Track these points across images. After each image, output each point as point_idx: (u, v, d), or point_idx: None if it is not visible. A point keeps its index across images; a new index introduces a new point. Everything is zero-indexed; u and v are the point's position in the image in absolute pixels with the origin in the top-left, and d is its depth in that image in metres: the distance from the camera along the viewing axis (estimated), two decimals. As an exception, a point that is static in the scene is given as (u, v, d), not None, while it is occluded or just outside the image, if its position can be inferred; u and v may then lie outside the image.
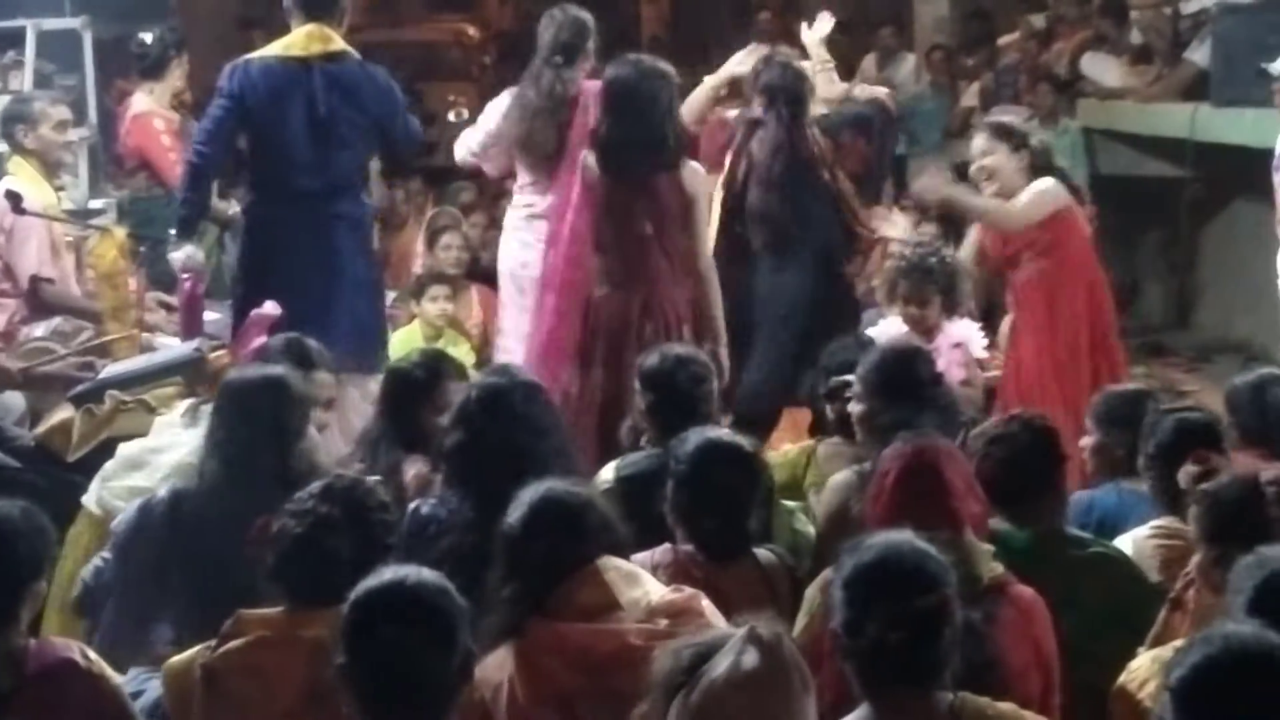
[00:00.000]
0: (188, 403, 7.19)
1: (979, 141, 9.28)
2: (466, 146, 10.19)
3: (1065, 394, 8.68)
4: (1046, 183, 9.01)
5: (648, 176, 8.73)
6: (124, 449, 7.08)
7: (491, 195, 14.81)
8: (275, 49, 9.07)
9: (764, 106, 9.44)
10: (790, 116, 9.40)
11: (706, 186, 8.99)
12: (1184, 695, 3.69)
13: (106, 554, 6.31)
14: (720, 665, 3.82)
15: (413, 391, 6.99)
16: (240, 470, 6.06)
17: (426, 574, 4.38)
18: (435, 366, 7.17)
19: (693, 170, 8.87)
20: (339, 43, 9.01)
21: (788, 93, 9.39)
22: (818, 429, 8.17)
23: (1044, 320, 9.00)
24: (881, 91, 10.51)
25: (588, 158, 8.93)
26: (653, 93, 8.77)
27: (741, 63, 10.06)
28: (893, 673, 4.36)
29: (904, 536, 4.56)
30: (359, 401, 8.21)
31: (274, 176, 9.05)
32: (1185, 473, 6.14)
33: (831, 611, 4.52)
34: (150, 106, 11.61)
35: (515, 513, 5.09)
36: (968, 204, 9.25)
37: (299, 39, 8.95)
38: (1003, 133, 9.15)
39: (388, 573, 4.41)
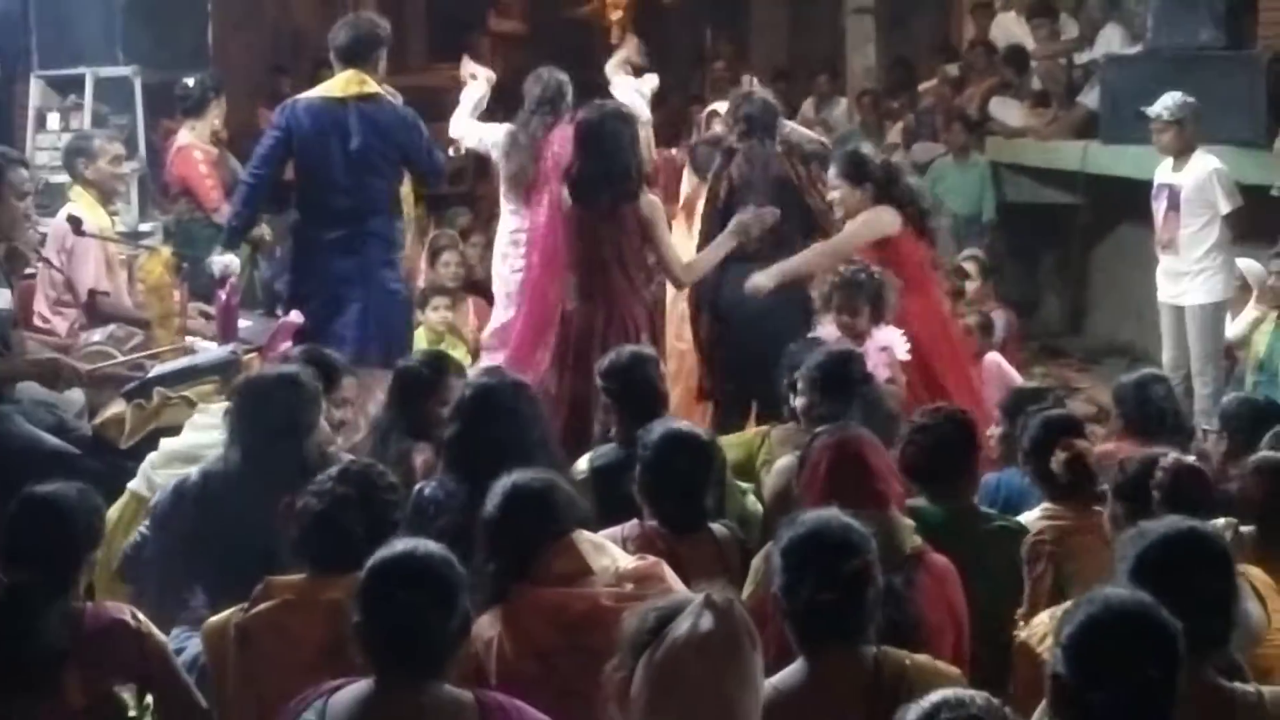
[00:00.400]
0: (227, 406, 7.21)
1: (830, 173, 9.26)
2: (474, 136, 10.55)
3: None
4: (874, 214, 8.96)
5: (612, 207, 8.73)
6: (169, 444, 7.10)
7: (485, 219, 14.80)
8: (319, 90, 9.19)
9: (741, 135, 9.48)
10: (768, 142, 9.46)
11: (661, 211, 8.99)
12: (1073, 649, 3.72)
13: (144, 528, 6.30)
14: (681, 627, 3.83)
15: (420, 387, 6.98)
16: (258, 457, 6.04)
17: (433, 546, 4.38)
18: (439, 365, 7.17)
19: (649, 200, 8.85)
20: (373, 86, 9.08)
21: (765, 122, 9.43)
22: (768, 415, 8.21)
23: None
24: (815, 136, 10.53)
25: (563, 190, 8.99)
26: (616, 132, 8.76)
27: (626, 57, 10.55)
28: (824, 629, 4.41)
29: (832, 512, 4.63)
30: (380, 394, 8.22)
31: (317, 199, 9.13)
32: (1056, 459, 6.26)
33: (772, 578, 4.55)
34: (191, 141, 11.60)
35: (491, 501, 5.10)
36: (795, 269, 9.10)
37: (339, 82, 9.06)
38: (846, 169, 9.11)
39: (399, 545, 4.41)
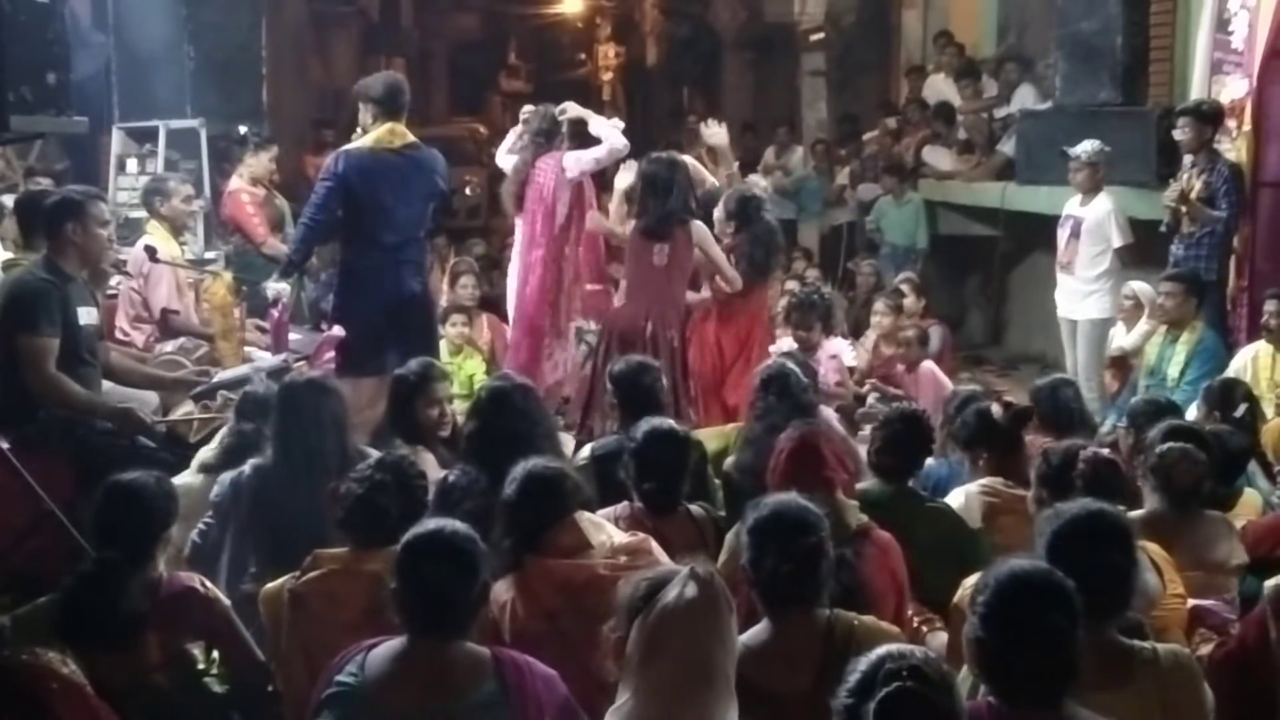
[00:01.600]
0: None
1: (717, 211, 9.49)
2: (508, 165, 10.46)
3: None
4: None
5: (668, 231, 8.98)
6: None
7: (498, 248, 14.80)
8: (367, 142, 8.90)
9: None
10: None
11: (708, 233, 9.16)
12: (986, 614, 3.74)
13: (209, 519, 6.27)
14: (669, 595, 3.88)
15: (408, 391, 6.92)
16: (301, 452, 6.05)
17: (459, 525, 4.38)
18: (425, 371, 7.04)
19: (696, 226, 9.08)
20: (410, 136, 8.97)
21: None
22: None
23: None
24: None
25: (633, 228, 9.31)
26: (676, 176, 9.07)
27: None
28: (785, 596, 4.43)
29: (790, 496, 4.65)
30: None
31: (365, 234, 8.90)
32: (996, 409, 6.53)
33: (741, 552, 4.57)
34: (240, 185, 11.65)
35: (510, 486, 5.11)
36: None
37: (384, 135, 8.83)
38: (730, 205, 9.41)
39: (431, 523, 4.42)
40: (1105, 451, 5.79)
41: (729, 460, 6.80)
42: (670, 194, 9.02)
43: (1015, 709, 3.70)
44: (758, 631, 4.45)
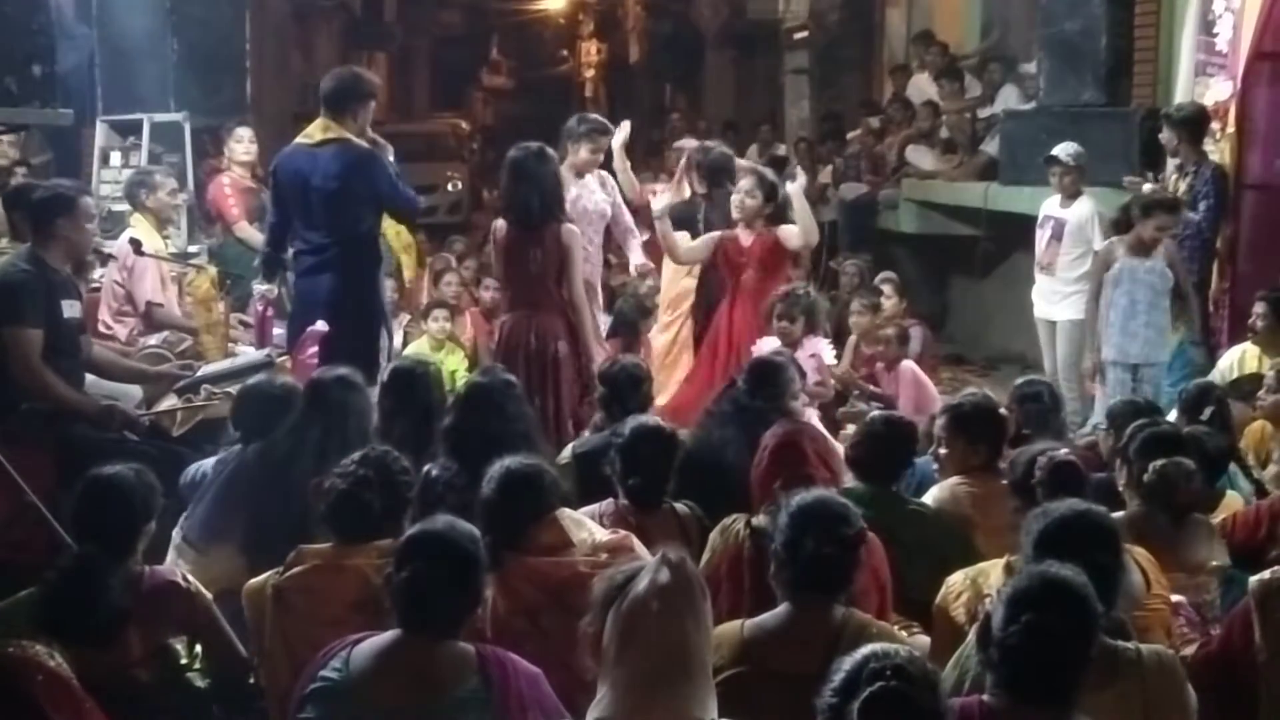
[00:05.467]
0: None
1: (747, 183, 9.49)
2: None
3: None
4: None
5: (536, 227, 8.56)
6: None
7: (477, 244, 14.77)
8: (301, 137, 8.72)
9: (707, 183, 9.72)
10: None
11: (578, 239, 8.79)
12: (1014, 610, 3.75)
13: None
14: (642, 582, 3.89)
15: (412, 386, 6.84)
16: (263, 451, 6.09)
17: (465, 526, 4.42)
18: (425, 367, 7.03)
19: (568, 229, 8.65)
20: (338, 131, 8.51)
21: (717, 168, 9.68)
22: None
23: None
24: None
25: (497, 220, 8.97)
26: (543, 169, 8.63)
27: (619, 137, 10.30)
28: (817, 580, 4.51)
29: (830, 491, 4.83)
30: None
31: (296, 232, 8.69)
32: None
33: (774, 536, 4.64)
34: (227, 171, 11.62)
35: (488, 484, 5.12)
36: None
37: (313, 130, 8.62)
38: (764, 185, 9.45)
39: (440, 520, 4.44)
40: (1063, 453, 5.75)
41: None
42: (539, 188, 8.60)
43: (1018, 706, 3.74)
44: (774, 615, 4.54)
